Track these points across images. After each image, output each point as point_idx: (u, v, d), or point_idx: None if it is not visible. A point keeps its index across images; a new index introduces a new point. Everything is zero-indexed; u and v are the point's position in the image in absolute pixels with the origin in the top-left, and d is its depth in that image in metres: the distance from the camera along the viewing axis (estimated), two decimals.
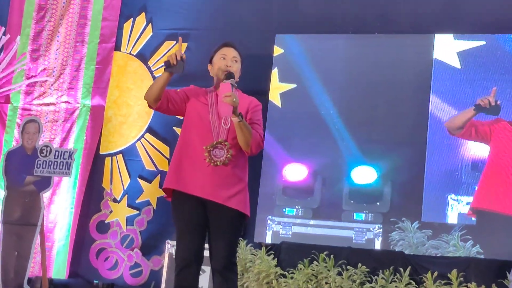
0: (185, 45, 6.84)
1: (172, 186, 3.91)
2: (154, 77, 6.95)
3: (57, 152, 5.96)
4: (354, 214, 6.07)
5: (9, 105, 7.28)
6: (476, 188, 5.59)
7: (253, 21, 6.76)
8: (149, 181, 6.79)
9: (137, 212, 6.77)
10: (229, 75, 3.89)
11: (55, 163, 5.91)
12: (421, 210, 5.88)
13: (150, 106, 4.02)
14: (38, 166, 5.95)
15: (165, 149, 6.81)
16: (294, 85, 6.34)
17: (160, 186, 6.74)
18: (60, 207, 6.85)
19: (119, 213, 6.81)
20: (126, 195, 6.83)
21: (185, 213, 3.88)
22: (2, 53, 7.08)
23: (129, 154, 6.93)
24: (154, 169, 6.82)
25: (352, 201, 6.10)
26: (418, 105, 6.04)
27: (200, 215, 3.86)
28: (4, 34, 7.06)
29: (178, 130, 6.72)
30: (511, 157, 5.30)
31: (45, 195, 6.33)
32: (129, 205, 6.81)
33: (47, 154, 5.94)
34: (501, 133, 5.35)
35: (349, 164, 6.13)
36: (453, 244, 5.69)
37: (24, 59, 7.23)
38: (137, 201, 6.81)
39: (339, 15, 6.48)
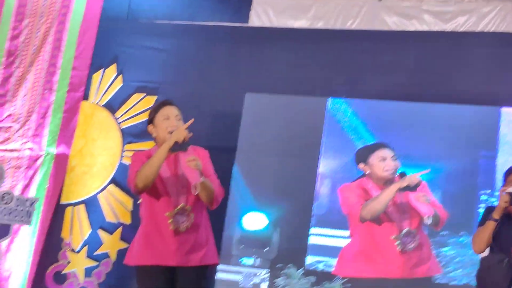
0: (154, 98, 6.88)
1: (144, 262, 3.85)
2: (120, 129, 6.93)
3: (18, 200, 5.89)
4: (243, 258, 6.19)
5: None
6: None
7: (222, 77, 6.81)
8: (110, 233, 6.71)
9: (96, 263, 6.67)
10: (183, 145, 3.86)
11: (16, 211, 5.83)
12: (305, 257, 6.02)
13: (138, 192, 3.95)
14: None
15: (128, 201, 6.75)
16: None
17: (121, 238, 6.66)
18: (17, 256, 6.72)
19: (77, 264, 6.70)
20: (86, 246, 6.73)
21: (154, 285, 3.81)
22: None
23: (90, 205, 6.85)
24: (115, 221, 6.75)
25: (241, 246, 6.19)
26: (308, 158, 6.21)
27: (169, 281, 3.83)
28: None
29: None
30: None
31: (3, 243, 6.21)
32: (88, 256, 6.71)
33: (8, 202, 5.87)
34: None
35: (241, 210, 6.22)
36: None
37: None
38: (96, 253, 6.70)
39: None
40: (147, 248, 3.87)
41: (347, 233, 5.84)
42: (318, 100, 6.38)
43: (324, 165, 6.19)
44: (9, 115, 7.20)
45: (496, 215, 4.07)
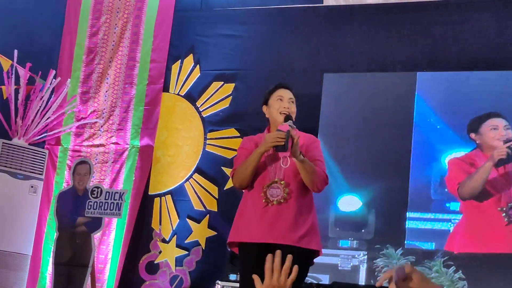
0: (232, 85, 6.91)
1: (238, 239, 3.88)
2: (202, 117, 6.99)
3: (107, 193, 6.01)
4: (340, 241, 6.16)
5: (59, 147, 7.37)
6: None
7: (300, 60, 6.77)
8: (198, 221, 6.78)
9: (186, 252, 6.75)
10: (287, 117, 3.90)
11: (106, 204, 5.96)
12: (405, 237, 5.95)
13: (243, 189, 4.01)
14: (89, 207, 6.00)
15: (214, 189, 6.81)
16: None
17: (209, 226, 6.73)
18: (109, 248, 6.87)
19: (168, 254, 6.80)
20: (175, 236, 6.82)
21: (250, 265, 3.82)
22: (53, 96, 7.18)
23: (178, 194, 6.94)
24: (203, 209, 6.81)
25: (337, 229, 6.16)
26: (401, 136, 6.14)
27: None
28: (54, 77, 7.16)
29: (226, 170, 6.73)
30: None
31: (96, 236, 6.36)
32: (178, 246, 6.80)
33: (98, 195, 6.00)
34: None
35: (335, 193, 6.18)
36: (436, 270, 5.74)
37: (74, 102, 7.33)
38: (186, 241, 6.79)
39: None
40: (243, 227, 3.90)
41: (446, 216, 5.81)
42: (406, 75, 6.29)
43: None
44: (93, 111, 7.36)
45: None
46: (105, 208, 5.96)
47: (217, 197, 6.78)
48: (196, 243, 6.74)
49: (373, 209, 6.13)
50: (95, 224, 6.03)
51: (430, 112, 6.10)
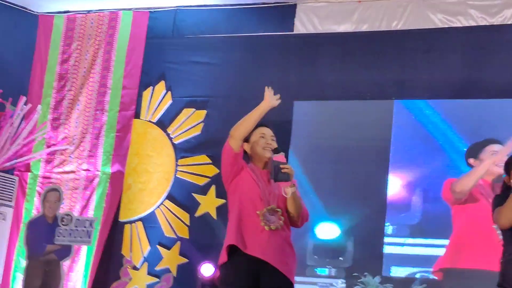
0: (204, 112, 6.94)
1: (236, 243, 3.95)
2: (173, 144, 7.00)
3: (77, 221, 6.00)
4: (317, 269, 6.20)
5: (29, 173, 7.32)
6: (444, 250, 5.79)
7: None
8: (169, 248, 6.77)
9: (157, 280, 6.73)
10: (277, 150, 4.04)
11: (76, 231, 5.95)
12: (382, 265, 6.00)
13: (231, 147, 4.09)
14: (59, 235, 5.98)
15: (185, 216, 6.80)
16: None
17: (180, 254, 6.72)
18: (78, 275, 6.82)
19: (138, 281, 6.77)
20: (146, 263, 6.80)
21: (238, 275, 3.91)
22: (23, 122, 7.16)
23: (148, 221, 6.92)
24: (173, 235, 6.80)
25: (315, 256, 6.19)
26: (378, 163, 6.21)
27: (254, 279, 3.90)
28: (25, 103, 7.15)
29: (197, 197, 6.74)
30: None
31: (65, 263, 6.32)
32: (149, 273, 6.77)
33: (68, 223, 5.98)
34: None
35: (313, 220, 6.06)
36: None
37: (45, 128, 7.31)
38: (157, 269, 6.77)
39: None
40: (239, 235, 3.96)
41: (440, 241, 5.88)
42: (383, 103, 6.37)
43: (413, 174, 6.14)
44: (64, 138, 7.34)
45: None
46: (75, 235, 5.96)
47: (188, 224, 6.77)
48: (167, 270, 6.72)
49: (351, 236, 6.16)
50: (65, 251, 6.01)
51: (408, 137, 6.22)
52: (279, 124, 6.30)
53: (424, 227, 6.03)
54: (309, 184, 6.20)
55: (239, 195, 4.07)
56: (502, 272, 3.94)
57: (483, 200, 5.63)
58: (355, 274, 6.04)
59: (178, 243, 6.76)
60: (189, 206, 6.82)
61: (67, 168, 7.26)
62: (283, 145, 6.25)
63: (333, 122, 6.45)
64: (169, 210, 6.88)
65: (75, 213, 6.82)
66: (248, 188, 4.05)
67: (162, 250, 6.79)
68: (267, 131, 4.27)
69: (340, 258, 6.14)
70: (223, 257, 4.01)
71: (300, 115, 6.57)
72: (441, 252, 5.84)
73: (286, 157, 6.19)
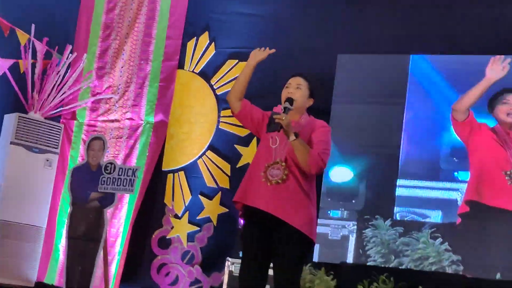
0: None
1: (238, 199, 4.00)
2: (216, 95, 7.03)
3: (121, 169, 6.08)
4: (330, 211, 6.32)
5: (75, 121, 7.44)
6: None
7: (316, 40, 6.77)
8: (210, 198, 6.85)
9: (198, 228, 6.83)
10: (288, 100, 3.99)
11: (119, 180, 6.02)
12: (394, 208, 6.11)
13: (232, 111, 4.14)
14: (103, 182, 6.07)
15: (226, 167, 6.86)
16: None
17: (221, 204, 6.80)
18: (121, 223, 6.96)
19: (180, 229, 6.88)
20: (188, 212, 6.90)
21: (250, 231, 3.95)
22: (69, 70, 7.24)
23: (190, 171, 7.00)
24: (215, 186, 6.87)
25: (328, 199, 6.31)
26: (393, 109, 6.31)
27: (265, 234, 3.91)
28: (71, 52, 7.22)
29: (239, 148, 6.78)
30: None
31: (108, 211, 6.44)
32: (190, 222, 6.88)
33: (111, 171, 6.06)
34: (485, 138, 5.85)
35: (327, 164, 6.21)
36: (423, 241, 5.91)
37: (90, 77, 7.39)
38: (198, 218, 6.86)
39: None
40: (242, 189, 4.01)
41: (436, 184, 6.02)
42: (400, 57, 6.42)
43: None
44: (109, 87, 7.41)
45: None
46: (118, 184, 6.03)
47: (229, 174, 6.83)
48: (208, 220, 6.82)
49: (364, 179, 6.28)
50: (108, 199, 6.10)
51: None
52: (321, 76, 6.37)
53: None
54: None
55: (258, 148, 4.11)
56: None
57: (497, 145, 5.79)
58: (366, 216, 6.15)
59: (219, 193, 6.83)
60: (230, 157, 6.87)
61: (111, 116, 7.35)
62: (325, 97, 6.37)
63: (368, 74, 6.48)
64: (211, 160, 6.94)
65: (119, 162, 6.93)
66: (265, 143, 4.06)
67: (203, 199, 6.88)
68: (294, 80, 4.19)
69: (352, 201, 6.26)
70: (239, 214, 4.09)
71: (343, 67, 6.54)
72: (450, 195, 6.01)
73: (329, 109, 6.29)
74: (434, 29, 6.34)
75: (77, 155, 7.29)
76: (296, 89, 4.11)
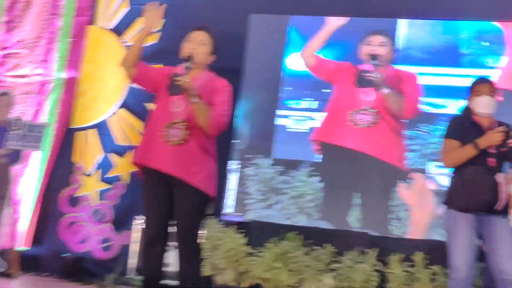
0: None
1: (138, 161, 3.98)
2: None
3: (28, 126, 5.95)
4: None
5: None
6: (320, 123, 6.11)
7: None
8: (121, 155, 6.79)
9: (110, 186, 6.78)
10: (186, 58, 3.96)
11: (26, 136, 5.89)
12: (273, 148, 6.32)
13: (128, 76, 4.09)
14: (9, 139, 5.93)
15: (139, 124, 6.81)
16: None
17: (135, 151, 6.74)
18: (28, 180, 6.84)
19: (91, 187, 6.82)
20: (100, 170, 6.83)
21: (151, 191, 3.96)
22: None
23: (102, 129, 6.92)
24: (127, 143, 6.82)
25: None
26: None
27: (165, 193, 3.92)
28: None
29: (151, 106, 6.72)
30: (350, 97, 5.67)
31: (14, 168, 6.30)
32: (102, 180, 6.82)
33: (20, 128, 5.92)
34: (344, 74, 5.82)
35: None
36: (301, 180, 6.13)
37: None
38: (109, 175, 6.81)
39: None
40: (142, 150, 3.99)
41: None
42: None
43: None
44: (18, 41, 7.22)
45: (482, 145, 4.01)
46: (26, 140, 5.90)
47: (142, 132, 6.77)
48: (120, 178, 6.77)
49: (248, 120, 6.41)
50: (14, 156, 5.97)
51: None
52: (234, 36, 6.37)
53: None
54: None
55: (156, 107, 4.10)
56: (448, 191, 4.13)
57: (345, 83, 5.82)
58: (248, 156, 6.32)
59: (132, 150, 6.78)
60: (143, 114, 6.78)
61: (20, 72, 7.17)
62: (237, 56, 6.38)
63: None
64: (123, 118, 6.87)
65: (28, 118, 6.78)
66: (163, 101, 4.04)
67: (115, 157, 6.82)
68: (197, 35, 4.14)
69: (237, 140, 6.40)
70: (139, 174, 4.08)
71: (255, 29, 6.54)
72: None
73: (239, 70, 6.29)
74: None
75: None
76: (199, 44, 4.08)
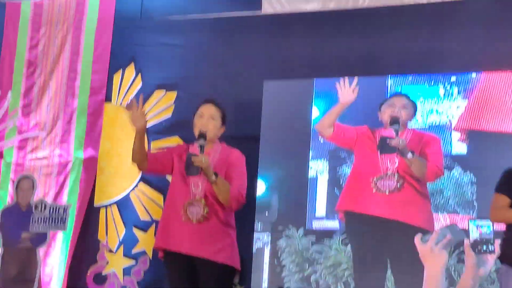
0: (174, 94, 6.96)
1: (160, 245, 3.98)
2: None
3: (52, 207, 6.00)
4: None
5: (2, 161, 7.32)
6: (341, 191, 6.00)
7: (240, 67, 6.84)
8: (145, 231, 6.81)
9: (134, 262, 6.77)
10: (200, 136, 3.99)
11: (50, 218, 5.95)
12: (306, 218, 6.20)
13: (141, 170, 4.12)
14: (34, 222, 5.98)
15: (159, 198, 6.83)
16: None
17: (155, 235, 6.75)
18: (55, 261, 6.85)
19: (115, 264, 6.81)
20: (122, 246, 6.84)
21: (175, 272, 3.95)
22: None
23: (123, 205, 6.95)
24: (148, 218, 6.84)
25: None
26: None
27: (189, 272, 3.93)
28: None
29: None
30: (372, 164, 5.46)
31: (41, 250, 6.34)
32: (125, 256, 6.82)
33: (43, 210, 5.98)
34: (364, 140, 5.66)
35: None
36: (335, 248, 6.03)
37: (16, 115, 7.30)
38: (133, 252, 6.81)
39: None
40: (163, 233, 3.99)
41: None
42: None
43: None
44: (36, 124, 7.32)
45: None
46: (50, 222, 5.96)
47: (162, 206, 6.80)
48: (143, 253, 6.77)
49: (276, 191, 6.34)
50: (40, 238, 6.02)
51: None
52: (249, 103, 6.45)
53: None
54: None
55: (172, 187, 4.10)
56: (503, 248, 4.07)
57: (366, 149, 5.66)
58: (280, 227, 6.22)
59: (153, 225, 6.79)
60: (163, 188, 6.82)
61: (40, 154, 7.25)
62: (253, 123, 6.43)
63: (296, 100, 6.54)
64: (143, 192, 6.91)
65: (49, 200, 6.83)
66: (179, 180, 4.05)
67: (137, 232, 6.83)
68: (207, 109, 4.17)
69: (266, 212, 6.31)
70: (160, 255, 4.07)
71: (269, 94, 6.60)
72: None
73: (257, 135, 6.34)
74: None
75: (6, 196, 7.15)
76: (209, 119, 4.13)
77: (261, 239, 6.28)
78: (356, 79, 5.46)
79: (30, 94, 7.42)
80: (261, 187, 6.33)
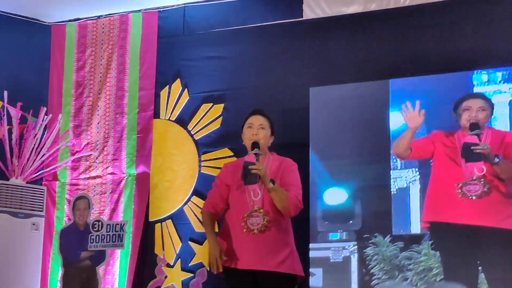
0: (221, 106, 7.00)
1: (226, 263, 3.99)
2: (194, 140, 7.07)
3: (108, 226, 6.09)
4: (329, 234, 6.26)
5: (57, 182, 7.44)
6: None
7: (285, 75, 6.84)
8: (200, 243, 6.84)
9: (192, 275, 6.82)
10: (254, 145, 4.01)
11: (108, 236, 6.03)
12: (391, 224, 6.06)
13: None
14: (92, 241, 6.07)
15: None
16: None
17: None
18: (116, 278, 6.93)
19: (174, 278, 6.87)
20: (179, 259, 6.89)
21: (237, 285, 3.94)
22: (46, 132, 7.27)
23: (178, 219, 7.01)
24: (203, 230, 6.85)
25: (326, 222, 6.26)
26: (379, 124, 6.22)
27: (251, 282, 3.93)
28: (46, 114, 7.25)
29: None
30: (454, 170, 5.37)
31: (101, 268, 6.42)
32: (183, 269, 6.87)
33: (99, 229, 6.07)
34: (442, 148, 5.56)
35: (319, 187, 6.26)
36: (424, 253, 5.86)
37: (67, 137, 7.42)
38: (190, 264, 6.86)
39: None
40: (228, 249, 4.01)
41: None
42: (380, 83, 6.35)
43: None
44: (87, 144, 7.43)
45: None
46: (108, 240, 6.05)
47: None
48: (201, 265, 6.81)
49: (359, 199, 6.24)
50: (99, 257, 6.11)
51: None
52: (296, 110, 6.44)
53: None
54: (316, 157, 6.27)
55: (231, 205, 4.11)
56: None
57: (445, 156, 5.58)
58: (366, 235, 6.13)
59: None
60: None
61: (93, 173, 7.36)
62: (302, 130, 6.42)
63: (344, 104, 6.46)
64: (197, 205, 6.95)
65: (105, 218, 6.92)
66: (236, 196, 4.06)
67: (193, 245, 6.88)
68: (256, 120, 4.19)
69: (350, 221, 6.22)
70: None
71: (316, 100, 6.56)
72: None
73: (306, 143, 6.32)
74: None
75: (62, 216, 7.28)
76: (259, 129, 4.15)
77: (348, 248, 6.19)
78: (418, 103, 5.42)
79: (80, 115, 7.54)
80: (341, 195, 6.25)
